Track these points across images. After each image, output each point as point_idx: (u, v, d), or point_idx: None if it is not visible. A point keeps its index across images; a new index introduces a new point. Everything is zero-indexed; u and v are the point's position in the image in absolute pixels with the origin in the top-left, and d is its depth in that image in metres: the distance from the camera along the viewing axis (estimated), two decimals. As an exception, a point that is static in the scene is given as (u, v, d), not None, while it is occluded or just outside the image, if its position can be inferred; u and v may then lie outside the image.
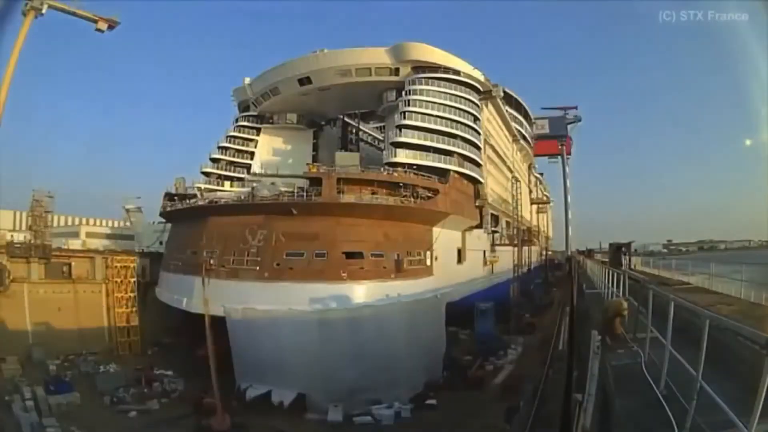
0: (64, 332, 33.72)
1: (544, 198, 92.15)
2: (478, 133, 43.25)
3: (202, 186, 41.05)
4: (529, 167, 76.10)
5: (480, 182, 43.74)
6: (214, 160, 45.71)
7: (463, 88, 42.50)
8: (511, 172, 59.09)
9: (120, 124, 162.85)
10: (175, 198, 40.42)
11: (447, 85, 41.51)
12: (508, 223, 56.25)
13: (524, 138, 68.86)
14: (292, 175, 33.13)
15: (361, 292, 29.40)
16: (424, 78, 41.21)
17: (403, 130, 39.12)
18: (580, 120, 57.45)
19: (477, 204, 44.20)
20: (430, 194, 34.80)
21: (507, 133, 59.91)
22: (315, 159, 44.50)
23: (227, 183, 43.53)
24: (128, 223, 52.99)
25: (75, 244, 45.36)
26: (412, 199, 33.69)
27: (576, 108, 61.51)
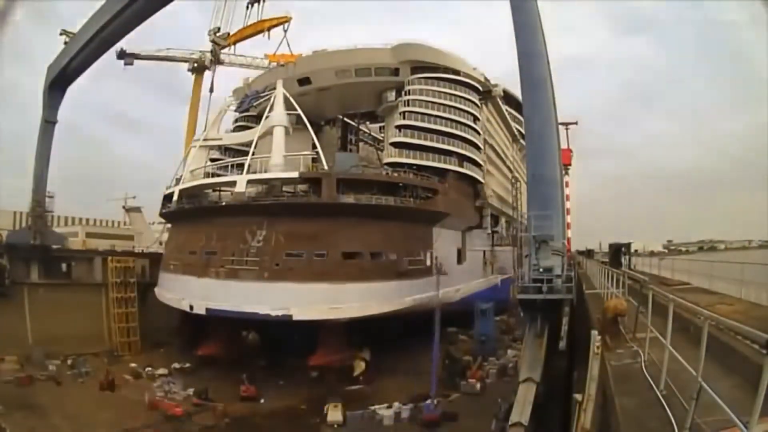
0: (63, 333, 33.67)
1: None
2: (478, 133, 43.23)
3: (207, 182, 40.69)
4: (529, 167, 75.89)
5: (480, 182, 43.73)
6: (214, 160, 45.62)
7: (462, 87, 42.48)
8: (511, 171, 59.05)
9: (120, 123, 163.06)
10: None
11: (447, 84, 41.49)
12: (508, 223, 56.23)
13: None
14: (291, 176, 33.11)
15: (361, 293, 29.36)
16: (424, 78, 41.20)
17: (402, 130, 39.14)
18: (575, 123, 59.57)
19: (477, 204, 44.22)
20: (429, 194, 34.80)
21: (507, 133, 59.87)
22: (314, 159, 44.49)
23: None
24: (127, 223, 53.05)
25: (75, 244, 45.41)
26: (412, 200, 33.68)
27: (576, 123, 62.81)
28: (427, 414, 23.00)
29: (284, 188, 34.51)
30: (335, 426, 23.37)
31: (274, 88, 38.17)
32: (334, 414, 23.71)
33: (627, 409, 6.03)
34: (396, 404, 24.96)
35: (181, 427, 23.34)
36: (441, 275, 33.06)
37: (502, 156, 56.54)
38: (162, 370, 31.58)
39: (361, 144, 58.27)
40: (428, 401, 23.56)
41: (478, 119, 43.88)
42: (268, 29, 39.73)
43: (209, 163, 41.01)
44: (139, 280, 39.69)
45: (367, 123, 58.55)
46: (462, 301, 38.04)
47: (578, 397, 9.61)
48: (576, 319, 18.23)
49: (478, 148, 42.73)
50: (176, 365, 32.41)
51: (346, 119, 55.41)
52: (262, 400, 25.88)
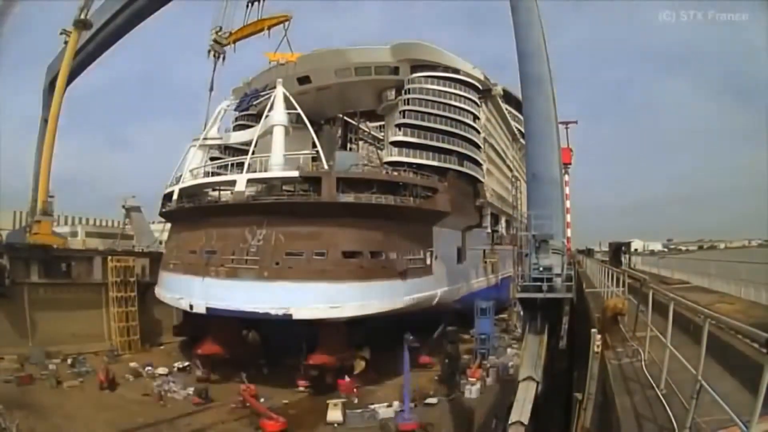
0: (63, 332, 33.71)
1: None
2: (478, 132, 43.23)
3: (207, 181, 40.68)
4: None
5: (480, 181, 43.74)
6: (213, 159, 45.58)
7: (462, 86, 42.44)
8: (511, 171, 59.10)
9: (120, 123, 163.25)
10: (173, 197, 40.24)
11: (446, 83, 41.47)
12: (507, 222, 56.25)
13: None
14: (291, 175, 33.07)
15: (360, 292, 29.35)
16: (424, 77, 41.17)
17: (402, 128, 39.14)
18: (575, 122, 60.38)
19: (477, 203, 44.22)
20: (429, 193, 34.80)
21: (507, 132, 59.91)
22: (314, 158, 44.49)
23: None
24: (127, 222, 52.96)
25: (74, 243, 45.39)
26: (412, 199, 33.67)
27: (576, 122, 62.88)
28: (401, 423, 22.11)
29: (284, 187, 34.47)
30: (335, 425, 23.41)
31: (274, 87, 38.16)
32: (334, 413, 23.73)
33: (627, 408, 6.03)
34: (396, 403, 24.95)
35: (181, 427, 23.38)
36: (440, 274, 33.24)
37: (502, 155, 56.56)
38: (162, 369, 31.60)
39: (361, 143, 58.23)
40: (402, 411, 22.94)
41: (478, 118, 43.87)
42: (269, 28, 39.59)
43: (209, 162, 40.97)
44: (139, 280, 39.68)
45: (367, 123, 58.55)
46: (462, 300, 38.07)
47: (578, 396, 9.64)
48: (576, 318, 18.27)
49: (478, 147, 42.74)
50: (177, 365, 32.44)
51: (346, 118, 55.39)
52: (262, 399, 25.88)
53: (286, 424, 22.49)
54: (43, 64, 44.59)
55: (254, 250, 30.19)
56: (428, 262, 34.14)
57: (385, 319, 29.96)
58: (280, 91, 36.90)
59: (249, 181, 33.53)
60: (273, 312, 27.90)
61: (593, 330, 9.29)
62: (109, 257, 39.26)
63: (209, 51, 39.91)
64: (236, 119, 48.39)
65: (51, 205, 40.86)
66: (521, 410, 13.93)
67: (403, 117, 39.41)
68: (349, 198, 31.23)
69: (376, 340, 31.04)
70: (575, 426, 9.10)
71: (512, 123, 60.09)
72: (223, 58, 40.06)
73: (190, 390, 27.52)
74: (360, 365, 29.90)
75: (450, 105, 40.86)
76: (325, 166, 33.53)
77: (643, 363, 7.47)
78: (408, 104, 39.95)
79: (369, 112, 51.11)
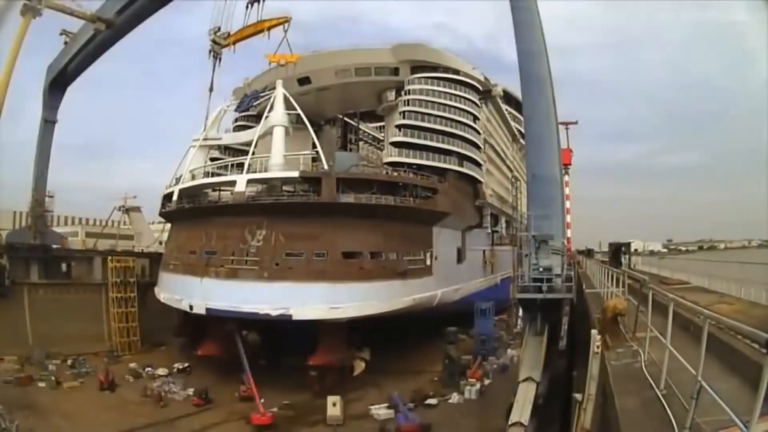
0: (63, 333, 33.69)
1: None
2: (478, 133, 43.25)
3: (207, 181, 40.65)
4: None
5: (480, 182, 43.77)
6: (213, 160, 45.57)
7: (462, 87, 42.48)
8: (511, 171, 59.10)
9: (120, 123, 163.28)
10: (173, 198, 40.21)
11: (446, 84, 41.50)
12: (507, 222, 56.26)
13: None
14: (291, 175, 33.08)
15: (360, 292, 29.33)
16: (424, 77, 41.20)
17: (402, 129, 39.17)
18: (575, 122, 60.89)
19: (477, 203, 44.25)
20: (429, 194, 34.81)
21: (507, 133, 59.92)
22: (314, 159, 44.47)
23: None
24: (126, 223, 52.93)
25: (74, 243, 45.40)
26: (412, 199, 33.68)
27: (576, 123, 63.31)
28: (404, 425, 21.75)
29: (284, 188, 34.48)
30: (335, 425, 23.39)
31: (274, 88, 38.18)
32: (334, 413, 23.71)
33: (627, 408, 6.02)
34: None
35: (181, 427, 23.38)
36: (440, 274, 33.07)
37: (502, 155, 56.56)
38: (162, 370, 31.57)
39: (361, 143, 58.24)
40: (400, 413, 22.83)
41: (478, 119, 43.89)
42: (268, 29, 39.61)
43: (209, 162, 40.96)
44: (139, 280, 39.68)
45: (367, 123, 58.54)
46: (462, 300, 38.07)
47: (578, 396, 9.63)
48: (576, 319, 18.25)
49: (478, 147, 42.76)
50: (177, 365, 32.40)
51: (346, 119, 55.38)
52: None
53: (273, 418, 23.43)
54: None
55: (254, 251, 30.17)
56: (428, 262, 34.13)
57: (385, 320, 29.93)
58: (280, 92, 36.93)
59: (249, 181, 33.53)
60: (273, 313, 27.87)
61: (593, 330, 9.28)
62: (109, 258, 39.27)
63: (209, 51, 39.90)
64: (236, 120, 48.39)
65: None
66: (521, 410, 13.94)
67: (403, 118, 39.44)
68: (349, 198, 31.22)
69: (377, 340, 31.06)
70: (575, 426, 9.10)
71: (512, 123, 60.08)
72: (220, 59, 40.00)
73: (190, 391, 27.51)
74: (360, 366, 29.87)
75: (450, 106, 40.89)
76: (325, 167, 33.52)
77: (642, 363, 7.46)
78: (408, 105, 39.98)
79: (369, 112, 51.09)
